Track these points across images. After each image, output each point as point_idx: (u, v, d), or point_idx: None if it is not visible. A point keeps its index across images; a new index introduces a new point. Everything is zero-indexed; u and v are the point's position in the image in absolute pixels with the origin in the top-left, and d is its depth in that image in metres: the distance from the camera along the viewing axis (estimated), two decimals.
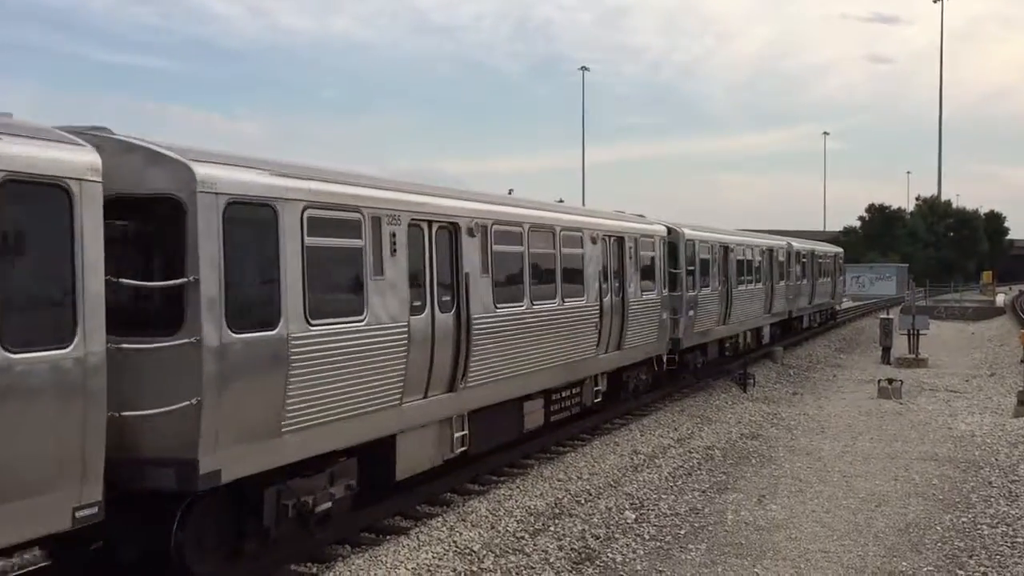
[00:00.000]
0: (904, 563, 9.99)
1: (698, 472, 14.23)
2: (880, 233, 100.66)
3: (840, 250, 45.26)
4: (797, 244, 34.38)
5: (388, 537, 10.51)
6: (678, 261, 20.63)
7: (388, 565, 9.26)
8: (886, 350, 30.37)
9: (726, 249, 24.47)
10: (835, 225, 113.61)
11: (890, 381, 22.75)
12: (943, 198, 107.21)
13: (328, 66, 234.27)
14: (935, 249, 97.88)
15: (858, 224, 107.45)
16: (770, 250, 29.61)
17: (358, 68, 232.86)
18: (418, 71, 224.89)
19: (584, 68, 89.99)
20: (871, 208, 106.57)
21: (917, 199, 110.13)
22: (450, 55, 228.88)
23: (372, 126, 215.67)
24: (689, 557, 10.18)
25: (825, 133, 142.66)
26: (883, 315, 35.67)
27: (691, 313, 21.11)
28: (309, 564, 9.73)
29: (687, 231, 21.42)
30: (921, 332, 30.06)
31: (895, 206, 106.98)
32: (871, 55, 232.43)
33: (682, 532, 11.10)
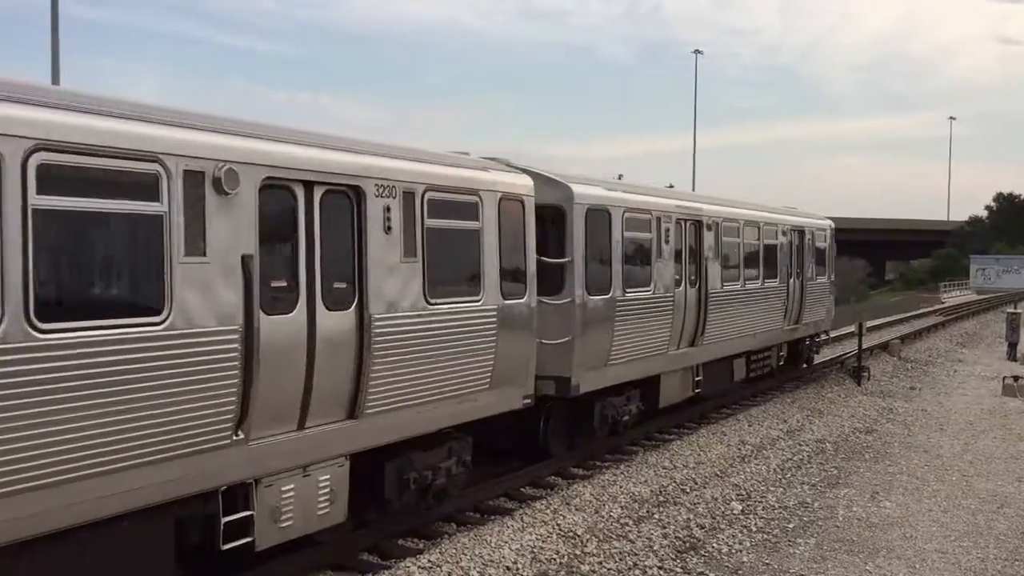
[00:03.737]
0: None
1: (808, 465, 13.90)
2: (1009, 223, 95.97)
3: (827, 224, 23.81)
4: (678, 203, 15.32)
5: (493, 517, 10.64)
6: None
7: (492, 544, 9.36)
8: (1012, 346, 28.95)
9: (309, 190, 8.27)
10: (961, 215, 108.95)
11: (1016, 378, 21.70)
12: None
13: (434, 51, 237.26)
14: None
15: (985, 214, 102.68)
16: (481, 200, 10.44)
17: (464, 54, 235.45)
18: (524, 57, 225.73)
19: (697, 51, 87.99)
20: (999, 197, 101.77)
21: None
22: (556, 41, 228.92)
23: (476, 111, 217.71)
24: (798, 551, 9.97)
25: (951, 118, 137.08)
26: (1010, 309, 34.03)
27: None
28: (416, 540, 9.94)
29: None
30: None
31: None
32: (1000, 36, 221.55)
33: (790, 526, 10.87)
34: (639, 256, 13.89)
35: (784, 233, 20.11)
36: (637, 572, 9.08)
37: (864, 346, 24.01)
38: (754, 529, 10.65)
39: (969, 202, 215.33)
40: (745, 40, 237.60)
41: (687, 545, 9.93)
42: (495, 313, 10.33)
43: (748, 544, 10.13)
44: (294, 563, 8.69)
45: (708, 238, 16.09)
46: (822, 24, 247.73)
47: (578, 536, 9.88)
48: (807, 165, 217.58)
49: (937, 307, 49.76)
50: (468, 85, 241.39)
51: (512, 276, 10.76)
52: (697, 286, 15.77)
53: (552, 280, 12.03)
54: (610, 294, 12.95)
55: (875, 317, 39.83)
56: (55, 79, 26.36)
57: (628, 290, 13.36)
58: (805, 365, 23.34)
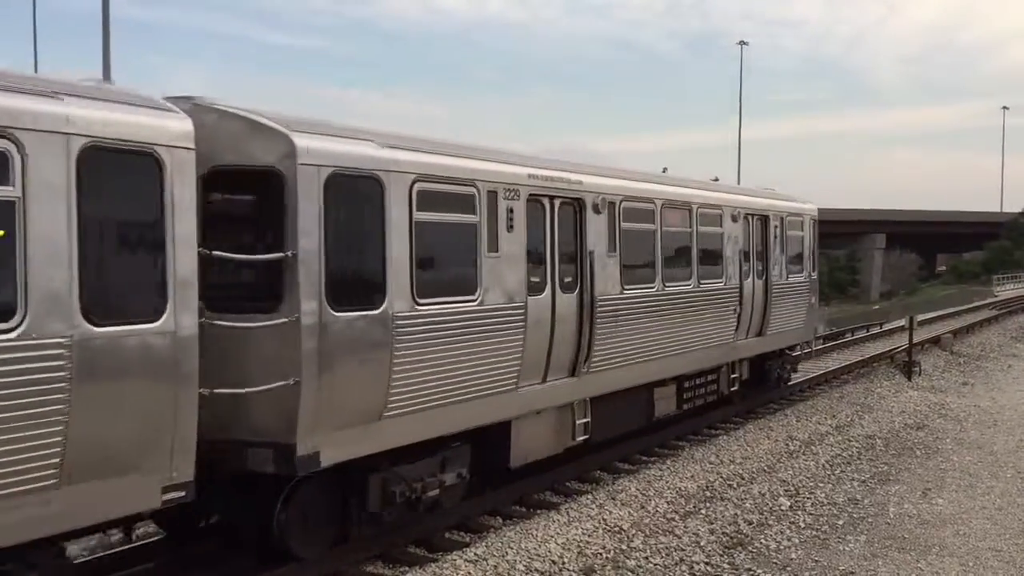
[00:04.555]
0: None
1: (857, 461, 13.72)
2: None
3: (807, 208, 18.90)
4: (533, 172, 10.74)
5: (539, 511, 10.66)
6: None
7: (539, 539, 9.38)
8: None
9: None
10: (1014, 206, 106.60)
11: None
12: None
13: (482, 46, 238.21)
14: None
15: None
16: None
17: (511, 49, 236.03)
18: (570, 50, 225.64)
19: (743, 43, 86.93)
20: None
21: None
22: (602, 35, 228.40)
23: (524, 105, 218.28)
24: (847, 548, 9.85)
25: (1004, 108, 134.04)
26: None
27: None
28: (462, 533, 9.99)
29: None
30: None
31: None
32: None
33: (840, 522, 10.75)
34: (453, 249, 9.52)
35: (735, 219, 15.31)
36: (684, 568, 9.04)
37: (915, 340, 23.62)
38: (803, 525, 10.55)
39: (1023, 193, 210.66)
40: (791, 31, 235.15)
41: (734, 541, 9.86)
42: (58, 352, 5.93)
43: (797, 540, 10.03)
44: (342, 557, 8.77)
45: (595, 224, 11.49)
46: (869, 14, 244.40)
47: (624, 531, 9.86)
48: (855, 157, 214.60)
49: (990, 300, 48.72)
50: (516, 80, 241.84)
51: (122, 284, 6.48)
52: (578, 291, 11.19)
53: (262, 289, 7.74)
54: (382, 308, 8.31)
55: (926, 311, 39.16)
56: (106, 77, 26.82)
57: (424, 300, 8.76)
58: (778, 386, 18.41)
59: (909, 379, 21.81)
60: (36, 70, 25.39)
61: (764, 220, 16.68)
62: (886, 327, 32.34)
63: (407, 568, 8.85)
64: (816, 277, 19.28)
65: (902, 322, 28.91)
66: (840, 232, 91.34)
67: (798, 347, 19.44)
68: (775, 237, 16.99)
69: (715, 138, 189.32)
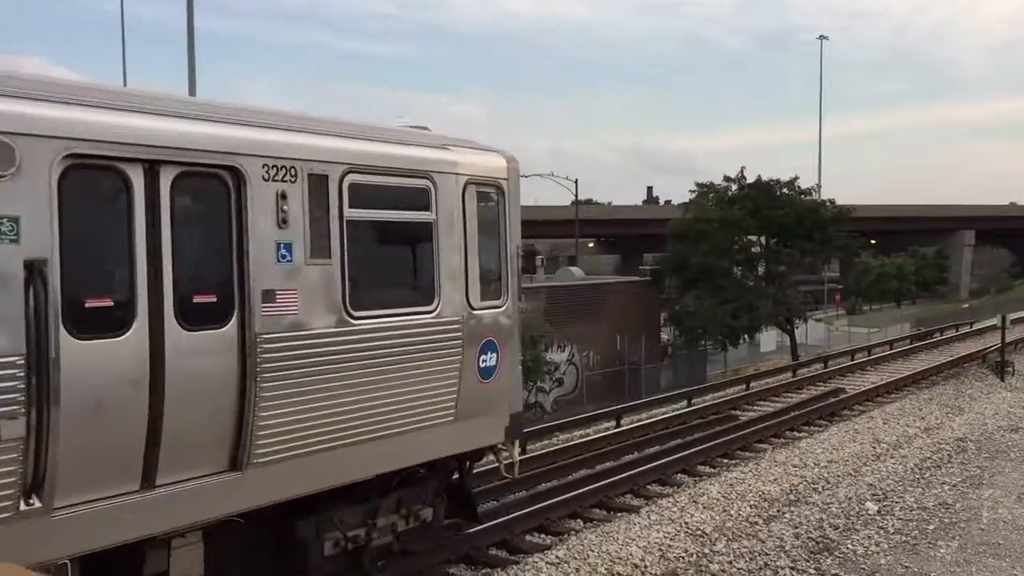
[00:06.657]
0: None
1: (948, 465, 13.33)
2: None
3: (461, 160, 7.68)
4: None
5: (619, 514, 10.64)
6: None
7: (620, 542, 9.35)
8: None
9: None
10: None
11: None
12: None
13: (550, 47, 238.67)
14: None
15: None
16: None
17: (579, 49, 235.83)
18: (640, 49, 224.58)
19: (823, 37, 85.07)
20: None
21: None
22: (673, 33, 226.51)
23: (594, 105, 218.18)
24: (939, 554, 9.58)
25: None
26: None
27: None
28: (543, 536, 10.02)
29: None
30: None
31: None
32: None
33: (930, 527, 10.46)
34: None
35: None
36: (768, 572, 8.91)
37: (1007, 340, 22.86)
38: (891, 530, 10.30)
39: None
40: (871, 23, 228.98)
41: (820, 546, 9.68)
42: None
43: (885, 546, 9.80)
44: (423, 560, 8.85)
45: None
46: (951, 4, 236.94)
47: (706, 535, 9.77)
48: (940, 151, 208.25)
49: None
50: (585, 80, 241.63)
51: None
52: None
53: None
54: None
55: (1019, 309, 37.83)
56: (192, 90, 27.62)
57: None
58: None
59: (1002, 379, 21.13)
60: (125, 81, 26.24)
61: (231, 178, 6.15)
62: (976, 326, 31.37)
63: (489, 570, 8.91)
64: (515, 307, 8.52)
65: (994, 321, 28.00)
66: (927, 229, 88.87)
67: (490, 453, 8.83)
68: (283, 221, 6.41)
69: (795, 135, 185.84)
